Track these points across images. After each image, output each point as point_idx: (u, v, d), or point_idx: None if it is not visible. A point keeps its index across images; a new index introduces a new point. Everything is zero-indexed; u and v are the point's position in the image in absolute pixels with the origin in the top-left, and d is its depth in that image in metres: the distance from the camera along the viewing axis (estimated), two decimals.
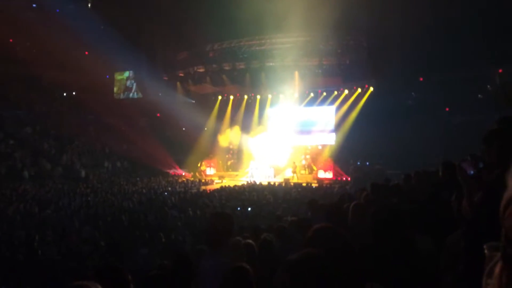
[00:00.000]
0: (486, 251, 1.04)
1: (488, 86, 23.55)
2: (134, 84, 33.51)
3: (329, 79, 26.77)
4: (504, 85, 19.81)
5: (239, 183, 22.45)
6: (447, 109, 25.56)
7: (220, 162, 29.66)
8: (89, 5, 32.73)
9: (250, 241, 4.25)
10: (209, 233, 3.14)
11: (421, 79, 25.90)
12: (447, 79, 23.65)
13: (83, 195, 16.13)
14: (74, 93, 32.20)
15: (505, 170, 0.78)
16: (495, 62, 22.04)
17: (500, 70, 22.80)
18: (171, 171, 28.00)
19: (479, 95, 23.51)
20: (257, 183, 22.55)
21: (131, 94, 33.57)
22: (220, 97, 31.84)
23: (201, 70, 29.79)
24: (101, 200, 14.87)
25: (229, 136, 29.93)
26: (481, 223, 1.91)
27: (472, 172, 2.73)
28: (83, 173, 22.82)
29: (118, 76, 34.12)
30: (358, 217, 3.74)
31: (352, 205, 3.96)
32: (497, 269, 0.73)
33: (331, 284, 1.52)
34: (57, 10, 29.37)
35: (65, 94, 32.41)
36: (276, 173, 26.74)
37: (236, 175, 27.49)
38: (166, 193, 17.53)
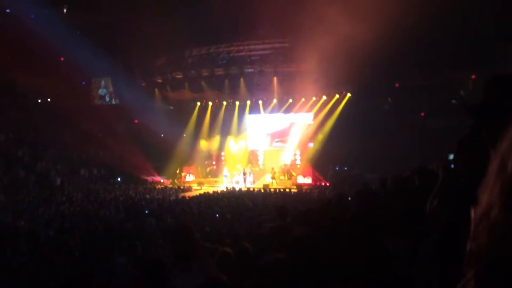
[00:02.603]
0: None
1: (462, 92, 24.10)
2: (105, 92, 33.15)
3: (308, 85, 26.99)
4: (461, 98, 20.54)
5: (219, 190, 22.36)
6: (422, 114, 26.05)
7: (199, 168, 29.52)
8: (65, 10, 32.22)
9: (227, 249, 4.22)
10: (174, 251, 3.09)
11: (397, 84, 26.35)
12: (422, 84, 24.13)
13: (58, 203, 15.80)
14: (49, 99, 31.60)
15: (471, 178, 0.78)
16: (468, 67, 22.57)
17: (473, 76, 23.36)
18: (149, 178, 27.72)
19: (453, 101, 24.02)
20: (236, 189, 22.51)
21: (107, 100, 33.18)
22: (198, 103, 31.72)
23: (179, 76, 29.67)
24: (76, 208, 14.60)
25: (208, 143, 29.87)
26: (453, 231, 1.93)
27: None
28: (58, 181, 22.39)
29: (94, 84, 33.68)
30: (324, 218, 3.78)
31: (319, 206, 4.00)
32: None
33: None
34: (32, 16, 28.81)
35: (40, 100, 31.78)
36: (255, 179, 26.79)
37: (215, 181, 27.39)
38: (144, 201, 17.31)
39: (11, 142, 24.66)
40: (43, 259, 8.32)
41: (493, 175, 0.72)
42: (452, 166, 2.77)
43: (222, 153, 29.76)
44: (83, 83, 33.02)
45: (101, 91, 33.59)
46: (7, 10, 28.14)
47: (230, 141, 29.62)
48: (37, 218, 12.77)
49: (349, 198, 6.18)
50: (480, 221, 0.70)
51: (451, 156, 2.70)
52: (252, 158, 29.45)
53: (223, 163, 29.01)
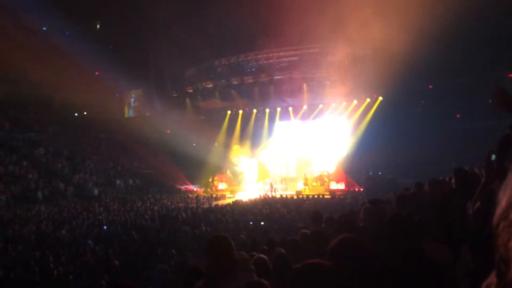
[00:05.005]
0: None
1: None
2: (138, 104, 34.07)
3: (338, 90, 26.76)
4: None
5: (251, 197, 22.39)
6: (458, 115, 25.38)
7: (232, 176, 29.66)
8: (98, 26, 33.26)
9: (263, 256, 4.22)
10: (214, 265, 3.02)
11: (430, 86, 25.80)
12: (457, 85, 23.51)
13: (96, 213, 16.21)
14: (85, 113, 32.61)
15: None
16: (504, 66, 21.90)
17: (510, 75, 22.63)
18: (183, 187, 28.06)
19: (490, 101, 23.30)
20: (269, 196, 22.48)
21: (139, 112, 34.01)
22: (229, 112, 31.99)
23: (210, 85, 30.00)
24: (114, 218, 14.92)
25: (239, 151, 30.00)
26: (484, 233, 1.88)
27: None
28: (95, 192, 22.96)
29: (127, 96, 34.61)
30: (368, 220, 3.74)
31: (363, 208, 3.97)
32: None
33: None
34: (67, 33, 29.90)
35: (76, 114, 32.84)
36: (288, 186, 26.67)
37: (248, 189, 27.40)
38: (178, 210, 17.52)
39: (50, 155, 25.54)
40: (84, 267, 8.54)
41: None
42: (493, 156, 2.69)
43: (253, 161, 29.79)
44: (117, 95, 33.90)
45: (134, 103, 34.44)
46: (44, 28, 29.27)
47: (261, 149, 29.66)
48: (76, 228, 13.13)
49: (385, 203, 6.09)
50: (499, 222, 0.70)
51: (493, 157, 2.62)
52: (283, 165, 29.35)
53: (254, 171, 29.01)
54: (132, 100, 35.01)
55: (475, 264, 1.97)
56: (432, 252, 2.62)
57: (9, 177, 21.32)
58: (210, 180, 28.77)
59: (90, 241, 10.92)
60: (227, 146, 30.67)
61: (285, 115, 30.47)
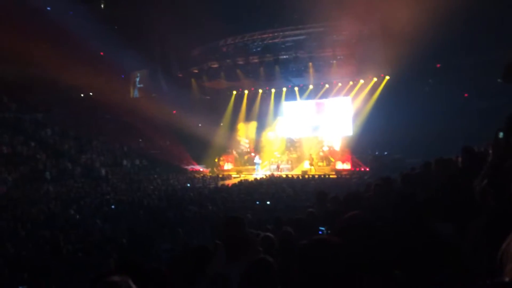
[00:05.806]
0: None
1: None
2: (143, 84, 34.02)
3: (344, 69, 26.46)
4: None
5: (258, 177, 22.48)
6: (466, 94, 25.11)
7: (237, 156, 29.75)
8: (102, 5, 32.95)
9: (269, 234, 4.26)
10: (230, 245, 3.05)
11: (438, 65, 25.46)
12: (465, 64, 23.17)
13: (103, 193, 16.37)
14: (91, 93, 32.57)
15: None
16: None
17: None
18: (189, 167, 28.21)
19: (498, 80, 22.99)
20: (275, 175, 22.59)
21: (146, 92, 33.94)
22: (234, 92, 31.86)
23: (215, 65, 29.79)
24: (121, 198, 15.07)
25: (245, 131, 30.00)
26: (502, 211, 1.87)
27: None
28: (103, 172, 23.14)
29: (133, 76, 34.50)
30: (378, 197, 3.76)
31: (374, 185, 3.99)
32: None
33: (341, 269, 1.51)
34: (71, 12, 29.66)
35: (82, 95, 32.81)
36: (294, 166, 26.75)
37: (254, 169, 27.51)
38: (184, 189, 17.65)
39: (57, 136, 25.68)
40: (92, 246, 8.67)
41: None
42: (501, 134, 2.65)
43: (259, 141, 29.82)
44: (123, 76, 33.80)
45: (139, 84, 34.37)
46: (48, 8, 29.03)
47: (267, 129, 29.65)
48: (84, 208, 13.29)
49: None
50: None
51: (501, 135, 2.58)
52: (289, 145, 29.39)
53: (260, 151, 29.06)
54: (138, 80, 34.88)
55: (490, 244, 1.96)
56: (438, 230, 2.62)
57: (17, 157, 21.51)
58: (216, 160, 28.90)
59: (98, 221, 11.06)
60: (232, 126, 30.67)
61: (291, 95, 30.31)
